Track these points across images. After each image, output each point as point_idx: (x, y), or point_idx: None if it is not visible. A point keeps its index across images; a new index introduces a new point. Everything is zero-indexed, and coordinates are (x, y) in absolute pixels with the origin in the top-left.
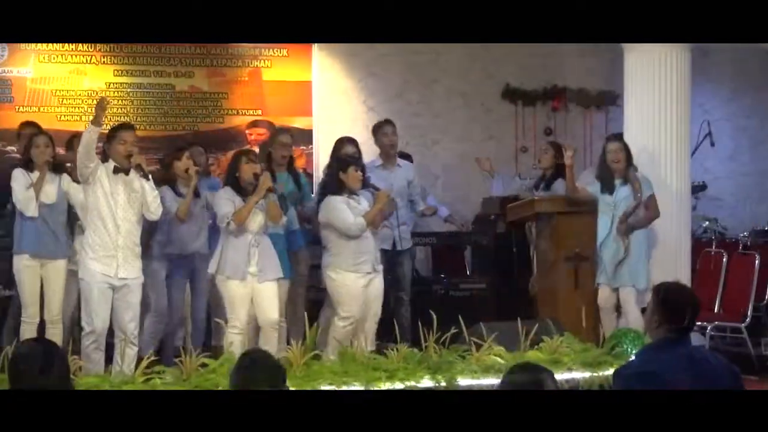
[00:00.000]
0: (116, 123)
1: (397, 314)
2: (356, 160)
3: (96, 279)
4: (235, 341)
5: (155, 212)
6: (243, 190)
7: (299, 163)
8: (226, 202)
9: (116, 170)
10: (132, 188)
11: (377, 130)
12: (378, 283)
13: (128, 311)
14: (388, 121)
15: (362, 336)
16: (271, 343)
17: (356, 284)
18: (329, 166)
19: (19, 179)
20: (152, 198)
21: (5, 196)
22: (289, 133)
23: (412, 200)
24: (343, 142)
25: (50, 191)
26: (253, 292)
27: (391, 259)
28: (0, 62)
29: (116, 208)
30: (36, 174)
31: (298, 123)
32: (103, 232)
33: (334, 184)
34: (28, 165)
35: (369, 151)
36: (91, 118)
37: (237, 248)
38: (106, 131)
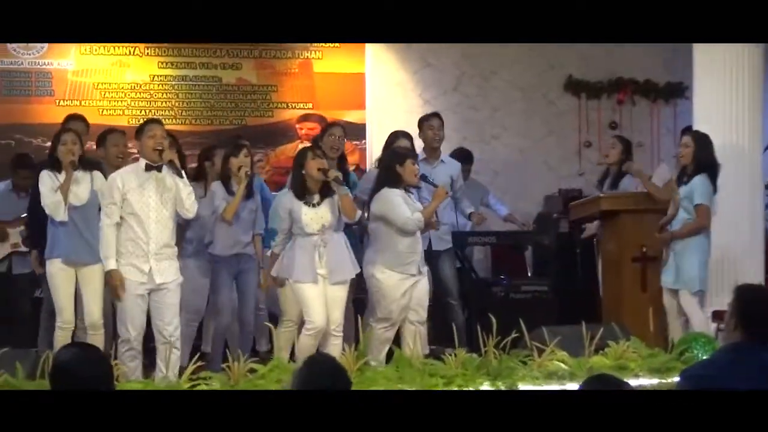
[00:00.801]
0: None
1: (445, 318)
2: (413, 153)
3: (130, 286)
4: (311, 344)
5: (190, 209)
6: (308, 190)
7: (352, 159)
8: (283, 211)
9: (148, 167)
10: (165, 186)
11: (423, 122)
12: (423, 286)
13: (167, 313)
14: (435, 114)
15: (411, 340)
16: (333, 348)
17: (399, 286)
18: (383, 159)
19: (46, 181)
20: (186, 195)
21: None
22: (341, 125)
23: (455, 198)
24: (397, 136)
25: (80, 192)
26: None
27: (426, 261)
28: (40, 54)
29: (148, 210)
30: (64, 175)
31: (351, 117)
32: (134, 237)
33: (390, 177)
34: (55, 165)
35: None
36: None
37: (303, 250)
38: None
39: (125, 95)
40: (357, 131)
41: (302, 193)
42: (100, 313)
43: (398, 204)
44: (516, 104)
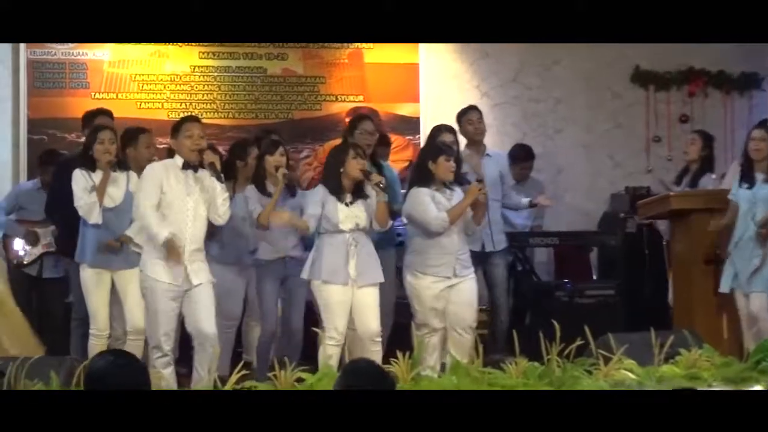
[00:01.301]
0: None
1: (493, 324)
2: (448, 148)
3: (162, 288)
4: (333, 355)
5: (223, 216)
6: (343, 188)
7: (405, 155)
8: (314, 204)
9: (185, 166)
10: (203, 186)
11: (461, 117)
12: (465, 290)
13: (203, 311)
14: (472, 108)
15: (455, 349)
16: (373, 357)
17: (432, 289)
18: (418, 156)
19: (79, 181)
20: (222, 201)
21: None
22: (371, 118)
23: (504, 194)
24: (440, 130)
25: (115, 193)
26: (352, 299)
27: (480, 263)
28: (74, 44)
29: (186, 209)
30: (99, 175)
31: (404, 110)
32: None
33: (421, 175)
34: (89, 164)
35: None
36: None
37: (334, 248)
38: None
39: (164, 87)
40: (410, 125)
41: (337, 190)
42: (142, 316)
43: (425, 203)
44: (580, 96)
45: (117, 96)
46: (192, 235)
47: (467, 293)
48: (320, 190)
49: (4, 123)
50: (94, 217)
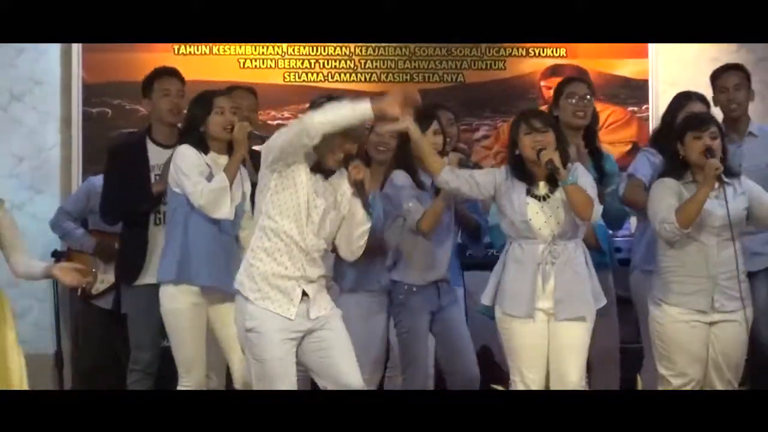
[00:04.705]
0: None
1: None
2: (699, 121)
3: (271, 327)
4: None
5: (356, 253)
6: (529, 176)
7: (628, 132)
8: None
9: (316, 168)
10: (335, 201)
11: (714, 80)
12: (727, 335)
13: (343, 360)
14: (732, 67)
15: None
16: None
17: (682, 327)
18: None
19: (193, 159)
20: (359, 234)
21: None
22: (584, 81)
23: None
24: (686, 98)
25: (235, 188)
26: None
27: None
28: None
29: (313, 216)
30: (213, 158)
31: (626, 69)
32: (285, 253)
33: (669, 161)
34: (199, 144)
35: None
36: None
37: (520, 265)
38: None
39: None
40: (635, 91)
41: (523, 179)
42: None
43: (658, 199)
44: None
45: (211, 51)
46: (317, 253)
47: (730, 340)
48: (501, 172)
49: (48, 91)
50: (226, 210)
